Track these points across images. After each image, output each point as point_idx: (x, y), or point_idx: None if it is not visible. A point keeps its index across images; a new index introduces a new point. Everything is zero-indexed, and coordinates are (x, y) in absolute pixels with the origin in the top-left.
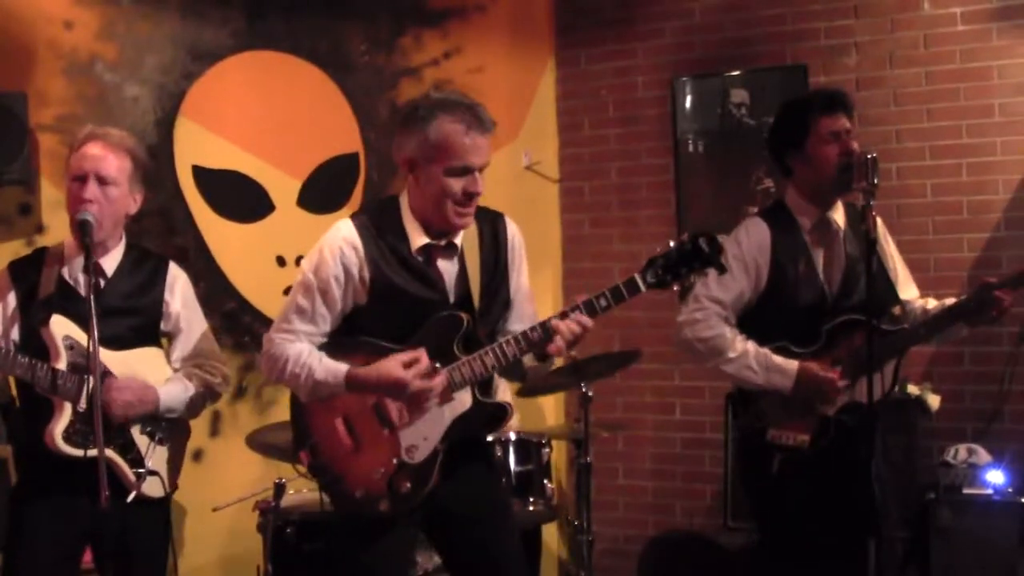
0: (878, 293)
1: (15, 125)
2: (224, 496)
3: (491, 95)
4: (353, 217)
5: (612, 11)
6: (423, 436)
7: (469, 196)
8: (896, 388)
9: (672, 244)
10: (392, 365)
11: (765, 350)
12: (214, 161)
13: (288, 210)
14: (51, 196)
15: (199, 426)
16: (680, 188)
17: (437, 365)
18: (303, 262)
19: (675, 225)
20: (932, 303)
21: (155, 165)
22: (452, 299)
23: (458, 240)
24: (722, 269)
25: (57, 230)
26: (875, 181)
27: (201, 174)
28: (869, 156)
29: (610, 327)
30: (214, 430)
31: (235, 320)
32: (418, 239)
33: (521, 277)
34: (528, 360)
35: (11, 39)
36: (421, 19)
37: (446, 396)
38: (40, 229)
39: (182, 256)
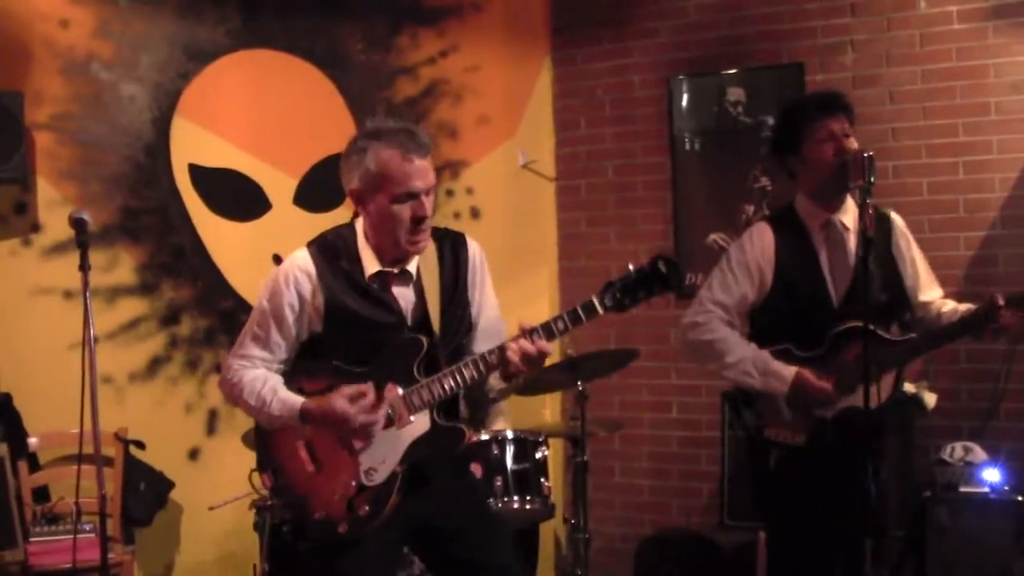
0: (887, 300)
1: (11, 124)
2: (220, 495)
3: (487, 94)
4: (309, 245)
5: (608, 10)
6: (381, 459)
7: (418, 221)
8: (897, 392)
9: (632, 267)
10: (338, 401)
11: (765, 354)
12: (210, 160)
13: (284, 208)
14: (47, 195)
15: (195, 425)
16: (676, 186)
17: (399, 390)
18: (261, 289)
19: (671, 223)
20: (949, 305)
21: (151, 164)
22: (409, 322)
23: (412, 268)
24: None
25: (52, 229)
26: (871, 179)
27: (197, 173)
28: (865, 154)
29: (607, 326)
30: (211, 429)
31: (232, 318)
32: (371, 266)
33: (485, 296)
34: (495, 381)
35: (7, 38)
36: (417, 17)
37: (405, 419)
38: (36, 228)
39: (178, 254)
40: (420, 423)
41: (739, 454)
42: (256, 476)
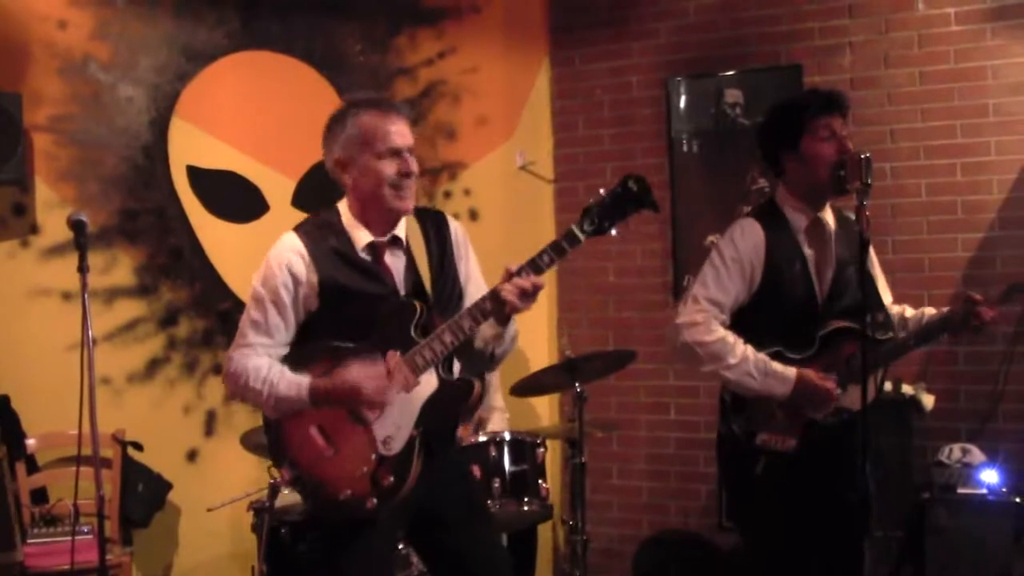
0: (867, 297)
1: (10, 125)
2: (219, 496)
3: (486, 95)
4: (296, 228)
5: (607, 11)
6: (396, 426)
7: (405, 176)
8: (880, 391)
9: (603, 191)
10: (348, 371)
11: (763, 356)
12: (209, 161)
13: (283, 210)
14: (45, 196)
15: (194, 426)
16: (674, 188)
17: (398, 354)
18: (253, 277)
19: (669, 224)
20: (909, 311)
21: (150, 165)
22: (403, 291)
23: (401, 233)
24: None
25: (51, 230)
26: (869, 181)
27: (196, 174)
28: (863, 156)
29: (605, 327)
30: (209, 430)
31: (230, 320)
32: (362, 238)
33: (470, 267)
34: (489, 328)
35: (6, 39)
36: (416, 19)
37: (412, 382)
38: (34, 229)
39: (177, 256)
40: (428, 384)
41: None
42: (276, 472)
